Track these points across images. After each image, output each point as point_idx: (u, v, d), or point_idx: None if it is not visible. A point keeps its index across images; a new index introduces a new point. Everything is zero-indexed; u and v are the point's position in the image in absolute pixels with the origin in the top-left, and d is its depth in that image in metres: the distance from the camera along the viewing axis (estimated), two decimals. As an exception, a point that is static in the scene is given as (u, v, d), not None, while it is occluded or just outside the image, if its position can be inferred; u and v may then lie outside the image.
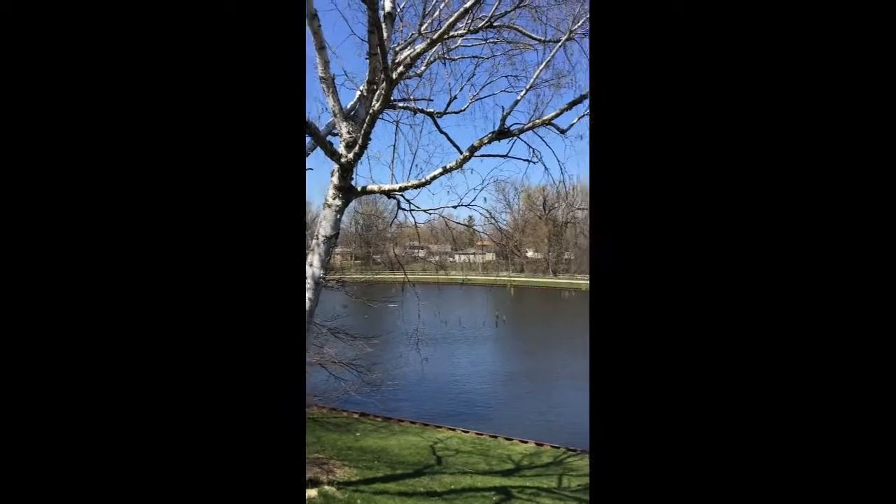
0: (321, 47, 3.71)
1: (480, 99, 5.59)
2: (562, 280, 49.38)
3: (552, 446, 9.58)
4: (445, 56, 5.39)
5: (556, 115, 4.95)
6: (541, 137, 5.36)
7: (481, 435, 10.11)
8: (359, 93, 4.91)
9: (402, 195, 4.87)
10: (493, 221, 6.98)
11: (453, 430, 10.32)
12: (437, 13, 4.82)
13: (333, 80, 4.03)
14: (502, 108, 4.91)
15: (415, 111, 5.46)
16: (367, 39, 3.10)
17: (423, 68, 5.41)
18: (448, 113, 5.41)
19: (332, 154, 3.92)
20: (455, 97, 5.29)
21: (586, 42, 5.20)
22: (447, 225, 7.06)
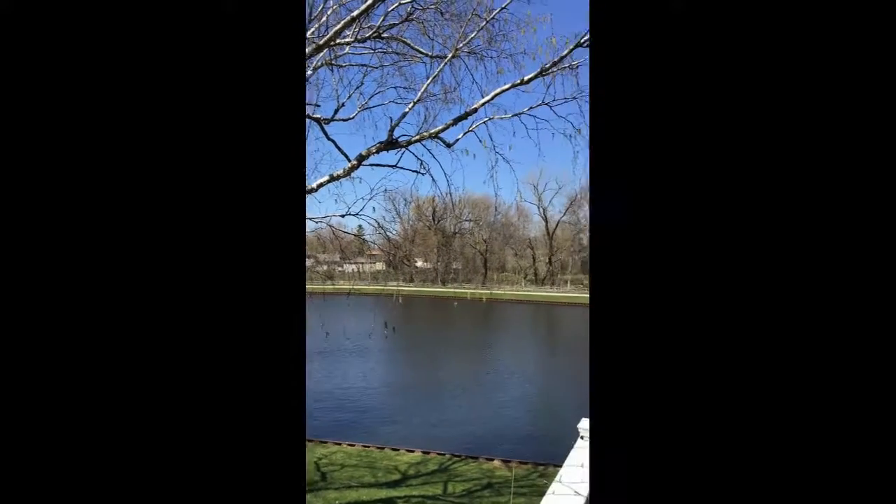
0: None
1: (369, 108, 5.58)
2: (449, 290, 50.46)
3: (438, 454, 9.69)
4: (333, 62, 5.31)
5: (443, 130, 5.08)
6: (428, 150, 5.47)
7: (368, 447, 9.95)
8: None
9: (285, 202, 4.67)
10: (382, 231, 6.96)
11: (339, 444, 10.05)
12: (324, 18, 4.74)
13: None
14: (391, 118, 4.94)
15: (300, 116, 5.29)
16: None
17: (309, 72, 5.28)
18: (336, 120, 5.33)
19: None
20: (343, 104, 5.23)
21: (472, 60, 5.41)
22: (335, 234, 6.91)
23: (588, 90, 5.35)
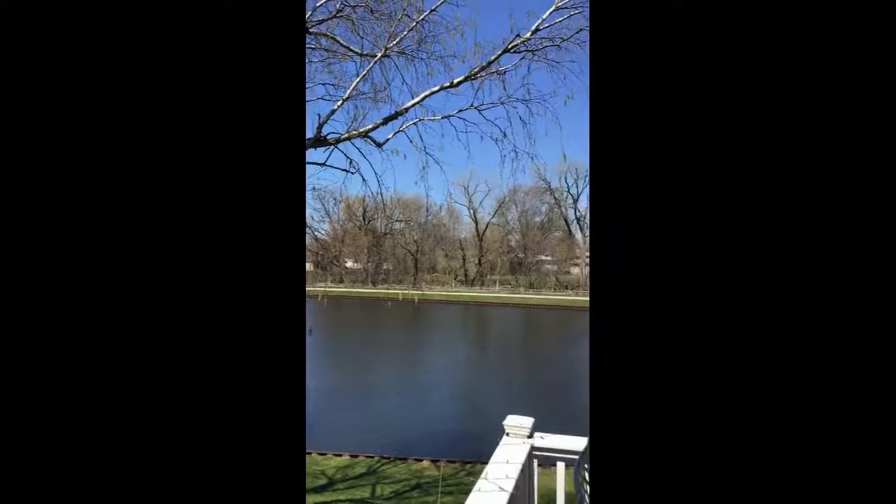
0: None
1: (296, 104, 5.42)
2: (380, 290, 50.04)
3: (366, 457, 9.58)
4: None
5: (373, 129, 5.04)
6: (358, 149, 5.40)
7: (294, 453, 9.65)
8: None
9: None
10: (310, 231, 6.80)
11: (263, 451, 9.67)
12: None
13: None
14: (318, 115, 4.83)
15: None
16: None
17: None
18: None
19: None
20: (268, 99, 5.04)
21: (402, 60, 5.40)
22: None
23: (515, 95, 5.49)
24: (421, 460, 9.45)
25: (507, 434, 2.39)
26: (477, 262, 56.09)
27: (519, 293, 49.21)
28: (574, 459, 2.20)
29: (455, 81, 5.17)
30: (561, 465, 2.31)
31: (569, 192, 54.57)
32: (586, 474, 1.55)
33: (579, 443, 2.30)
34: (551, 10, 5.04)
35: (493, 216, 56.43)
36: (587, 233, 55.01)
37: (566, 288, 50.88)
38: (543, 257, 54.49)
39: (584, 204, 54.97)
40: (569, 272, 53.92)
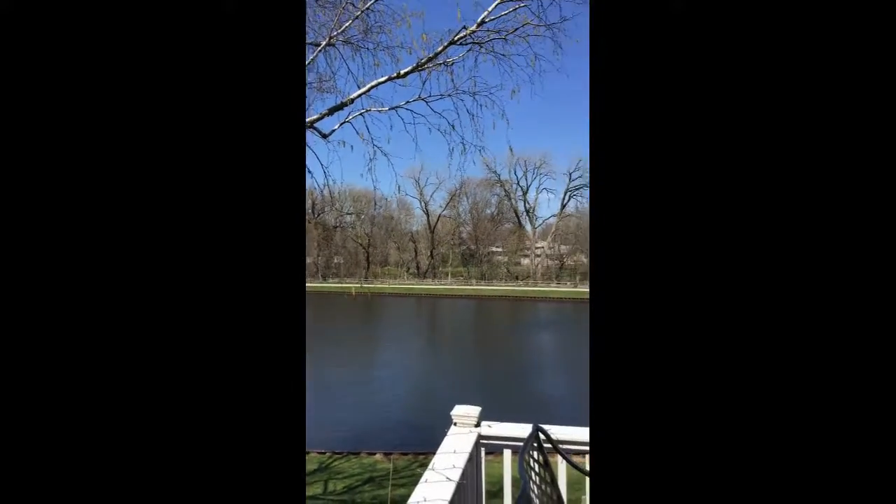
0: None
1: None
2: (332, 285, 49.34)
3: (318, 452, 9.46)
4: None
5: (318, 119, 4.93)
6: (303, 140, 5.27)
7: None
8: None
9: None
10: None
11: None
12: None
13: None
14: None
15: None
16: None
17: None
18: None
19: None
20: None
21: (348, 49, 5.31)
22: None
23: (462, 88, 5.50)
24: (374, 454, 9.42)
25: (455, 424, 2.40)
26: (429, 254, 56.15)
27: (471, 285, 49.66)
28: (520, 446, 2.24)
29: (402, 72, 5.12)
30: (508, 453, 2.35)
31: (518, 184, 55.38)
32: (531, 460, 1.58)
33: (525, 430, 2.35)
34: (497, 2, 5.06)
35: (445, 208, 56.59)
36: (537, 224, 56.17)
37: (517, 278, 51.75)
38: (494, 249, 55.17)
39: (532, 195, 56.00)
40: (519, 263, 54.85)
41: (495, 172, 52.59)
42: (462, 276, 53.39)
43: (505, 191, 55.52)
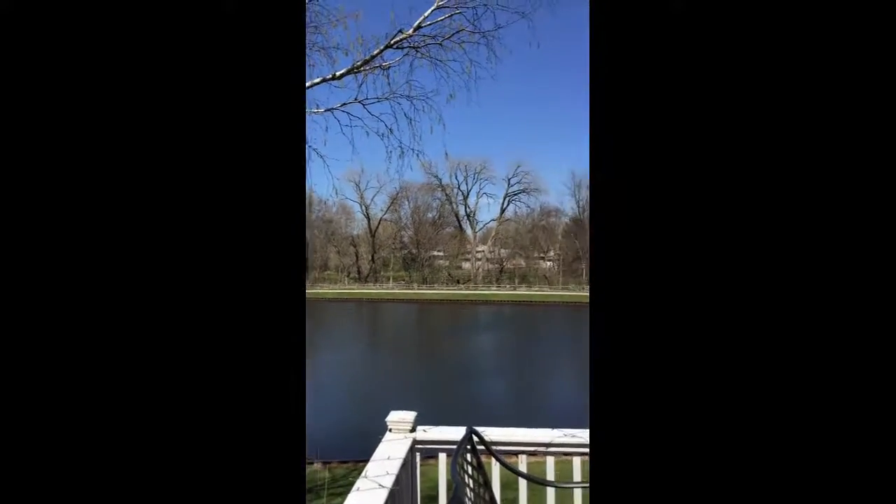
0: None
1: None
2: (268, 290, 47.66)
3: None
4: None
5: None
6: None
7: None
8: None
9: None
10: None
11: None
12: None
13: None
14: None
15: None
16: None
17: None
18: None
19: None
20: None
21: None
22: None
23: (399, 91, 5.49)
24: (312, 463, 9.19)
25: (390, 430, 2.38)
26: (370, 258, 55.61)
27: (412, 289, 49.60)
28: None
29: (337, 73, 5.05)
30: (442, 456, 2.35)
31: (459, 188, 55.93)
32: (464, 463, 1.59)
33: (460, 433, 2.36)
34: (433, 8, 5.10)
35: (386, 212, 56.29)
36: (478, 228, 56.89)
37: (458, 282, 52.19)
38: (436, 253, 55.41)
39: (473, 200, 56.71)
40: (460, 267, 55.33)
41: (436, 177, 52.91)
42: (404, 280, 53.24)
43: (446, 195, 55.94)
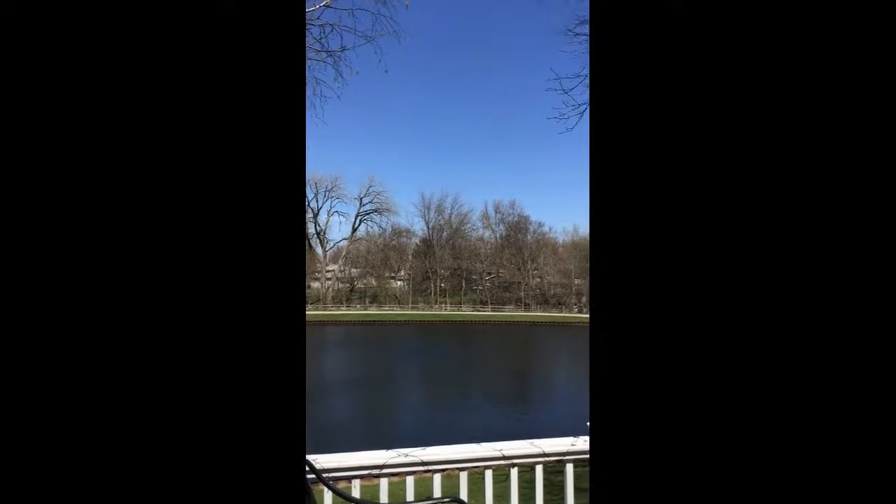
0: None
1: None
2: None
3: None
4: None
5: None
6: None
7: None
8: None
9: None
10: None
11: None
12: None
13: None
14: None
15: None
16: None
17: None
18: None
19: None
20: None
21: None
22: None
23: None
24: None
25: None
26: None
27: (256, 309, 46.64)
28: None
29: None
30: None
31: (309, 205, 54.30)
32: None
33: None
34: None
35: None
36: (328, 247, 55.63)
37: (308, 302, 50.31)
38: (283, 271, 52.87)
39: (324, 218, 55.46)
40: (310, 286, 53.47)
41: (285, 192, 50.77)
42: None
43: (295, 211, 53.87)
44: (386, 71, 5.29)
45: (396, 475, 2.12)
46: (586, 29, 6.47)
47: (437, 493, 2.07)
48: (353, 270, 54.81)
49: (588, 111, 1.04)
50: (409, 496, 2.09)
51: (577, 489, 2.29)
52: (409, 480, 2.10)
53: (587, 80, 6.55)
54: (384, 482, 2.12)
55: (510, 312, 49.71)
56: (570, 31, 6.48)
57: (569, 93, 6.53)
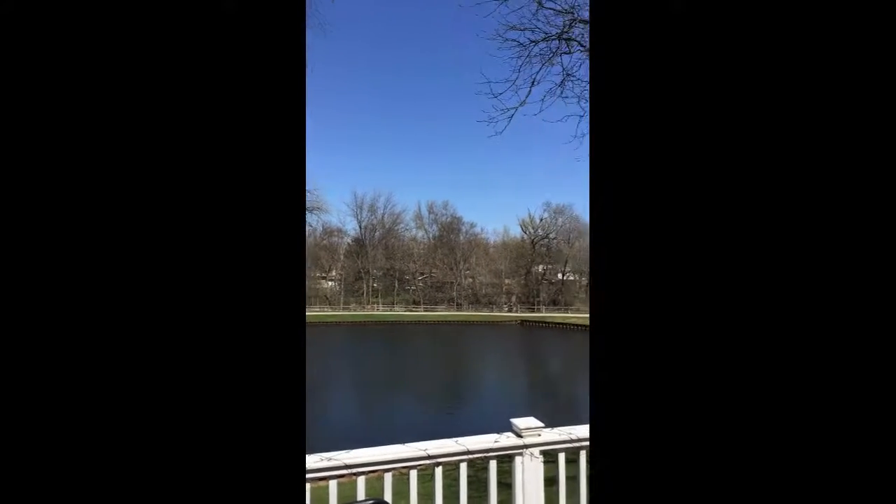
0: None
1: None
2: None
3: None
4: None
5: None
6: None
7: None
8: None
9: None
10: None
11: None
12: None
13: None
14: None
15: None
16: None
17: None
18: None
19: None
20: None
21: None
22: None
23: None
24: None
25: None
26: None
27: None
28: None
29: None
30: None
31: (235, 202, 52.24)
32: None
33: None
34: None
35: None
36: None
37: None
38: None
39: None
40: (234, 286, 51.39)
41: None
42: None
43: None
44: (312, 70, 5.16)
45: (321, 479, 2.09)
46: (515, 35, 6.64)
47: (361, 496, 2.06)
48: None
49: (588, 111, 1.06)
50: (333, 502, 2.06)
51: (500, 484, 2.35)
52: (332, 485, 2.07)
53: (514, 86, 6.71)
54: (307, 488, 2.08)
55: (443, 312, 50.07)
56: (499, 35, 6.61)
57: (498, 97, 6.66)
